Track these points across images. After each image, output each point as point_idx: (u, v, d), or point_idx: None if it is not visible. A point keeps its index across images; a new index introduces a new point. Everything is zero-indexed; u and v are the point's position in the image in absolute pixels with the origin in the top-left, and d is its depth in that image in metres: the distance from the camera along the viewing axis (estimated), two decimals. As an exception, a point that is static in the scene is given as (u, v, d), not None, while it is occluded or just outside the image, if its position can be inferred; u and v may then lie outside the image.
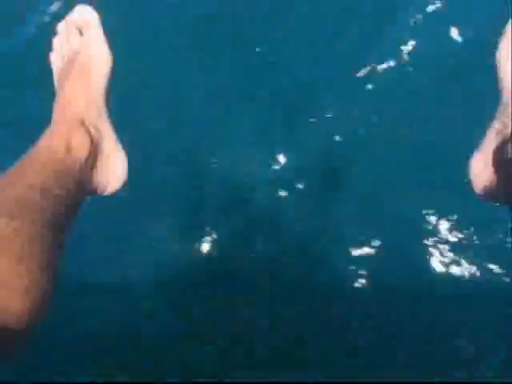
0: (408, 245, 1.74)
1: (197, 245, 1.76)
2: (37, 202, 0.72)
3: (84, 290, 1.66)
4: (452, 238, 1.77)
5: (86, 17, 0.97)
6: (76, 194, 0.81)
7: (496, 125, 0.86)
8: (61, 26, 1.00)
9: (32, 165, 0.78)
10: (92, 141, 0.87)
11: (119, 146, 0.94)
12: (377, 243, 1.73)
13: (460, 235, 1.78)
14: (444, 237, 1.75)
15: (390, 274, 1.74)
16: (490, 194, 0.86)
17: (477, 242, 1.78)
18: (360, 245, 1.74)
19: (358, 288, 1.73)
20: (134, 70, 1.67)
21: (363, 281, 1.75)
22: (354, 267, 1.74)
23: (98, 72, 0.93)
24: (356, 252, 1.75)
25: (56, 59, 0.99)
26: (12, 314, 0.62)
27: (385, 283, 1.73)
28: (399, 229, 1.74)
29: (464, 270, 1.78)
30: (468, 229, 1.79)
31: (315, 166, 1.84)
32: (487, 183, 0.85)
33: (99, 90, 0.93)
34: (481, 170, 0.86)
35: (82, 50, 0.95)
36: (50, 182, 0.76)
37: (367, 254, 1.76)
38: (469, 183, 0.88)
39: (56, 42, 1.00)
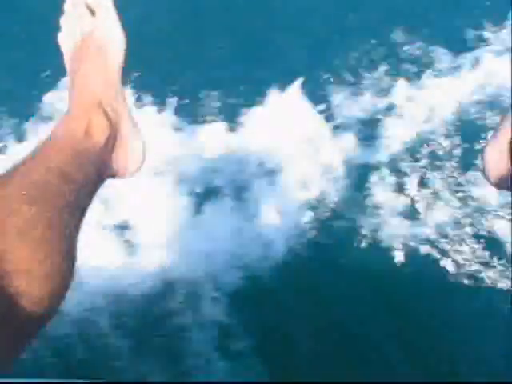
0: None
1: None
2: (57, 186, 0.72)
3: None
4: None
5: None
6: (95, 177, 0.81)
7: None
8: (69, 4, 0.95)
9: (51, 149, 0.78)
10: (110, 123, 0.86)
11: (137, 127, 0.93)
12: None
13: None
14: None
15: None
16: (505, 183, 0.86)
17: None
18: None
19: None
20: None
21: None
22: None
23: (113, 53, 0.92)
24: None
25: (67, 40, 0.96)
26: (32, 299, 0.62)
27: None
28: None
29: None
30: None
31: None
32: (502, 172, 0.85)
33: (115, 70, 0.92)
34: (496, 159, 0.86)
35: (95, 31, 0.92)
36: (70, 166, 0.76)
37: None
38: (483, 171, 0.89)
39: (64, 22, 0.96)
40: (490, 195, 1.94)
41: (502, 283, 1.81)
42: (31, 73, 2.29)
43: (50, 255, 0.66)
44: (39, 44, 2.06)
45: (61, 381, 1.59)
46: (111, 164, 0.88)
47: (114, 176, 0.90)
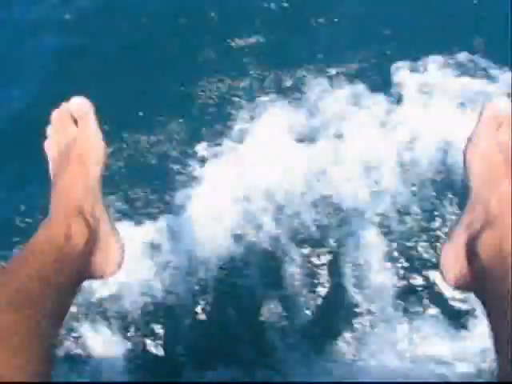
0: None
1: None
2: (37, 292, 0.75)
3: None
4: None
5: (81, 107, 1.00)
6: (75, 279, 0.85)
7: (465, 220, 0.91)
8: (55, 115, 1.02)
9: (32, 254, 0.82)
10: (90, 228, 0.91)
11: (116, 231, 0.98)
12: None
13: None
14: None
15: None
16: (461, 285, 0.91)
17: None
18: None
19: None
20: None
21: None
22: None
23: (94, 161, 0.98)
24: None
25: (51, 148, 1.02)
26: None
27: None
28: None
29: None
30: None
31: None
32: (458, 275, 0.90)
33: (96, 177, 0.98)
34: (451, 263, 0.91)
35: (78, 140, 0.99)
36: (50, 271, 0.80)
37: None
38: (441, 273, 0.94)
39: (50, 130, 1.03)
40: None
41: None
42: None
43: (29, 361, 0.68)
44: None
45: (61, 381, 1.56)
46: (90, 266, 0.92)
47: (93, 278, 0.94)
